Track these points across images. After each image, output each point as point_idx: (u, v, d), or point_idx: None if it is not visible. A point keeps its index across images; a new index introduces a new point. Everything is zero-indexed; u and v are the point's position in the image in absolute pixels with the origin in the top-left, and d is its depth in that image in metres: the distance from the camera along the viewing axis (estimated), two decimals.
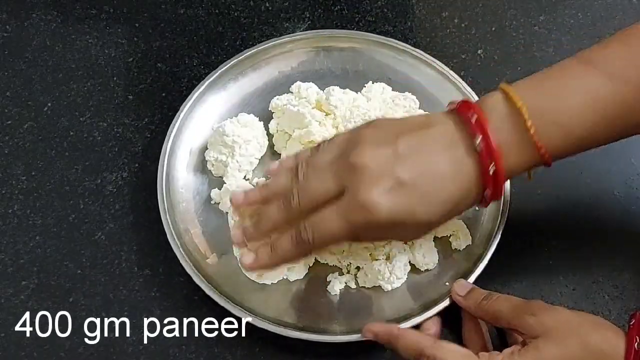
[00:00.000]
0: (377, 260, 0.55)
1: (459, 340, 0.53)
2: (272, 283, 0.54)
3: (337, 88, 0.61)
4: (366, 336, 0.51)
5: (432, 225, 0.48)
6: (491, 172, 0.46)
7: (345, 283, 0.55)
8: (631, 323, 0.46)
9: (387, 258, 0.55)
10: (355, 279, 0.56)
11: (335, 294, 0.55)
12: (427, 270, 0.56)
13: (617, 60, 0.47)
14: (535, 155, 0.46)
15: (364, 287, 0.55)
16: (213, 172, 0.60)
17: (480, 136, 0.45)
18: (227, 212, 0.58)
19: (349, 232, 0.46)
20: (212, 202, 0.59)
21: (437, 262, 0.56)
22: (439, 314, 0.53)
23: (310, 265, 0.56)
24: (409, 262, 0.56)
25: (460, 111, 0.47)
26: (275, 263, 0.50)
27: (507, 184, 0.58)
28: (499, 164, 0.45)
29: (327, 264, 0.56)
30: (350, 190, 0.46)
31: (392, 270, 0.54)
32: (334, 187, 0.47)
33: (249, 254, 0.50)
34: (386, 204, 0.45)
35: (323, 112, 0.60)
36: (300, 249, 0.48)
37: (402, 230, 0.47)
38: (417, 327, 0.52)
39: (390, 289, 0.55)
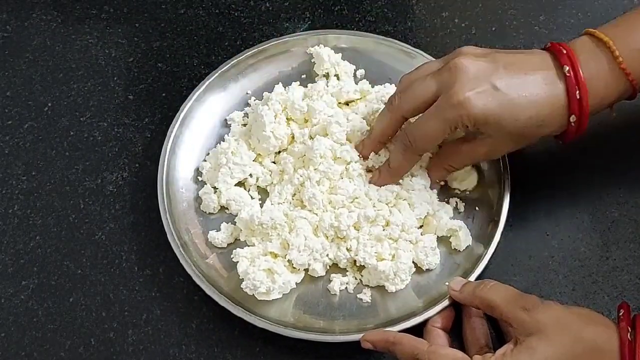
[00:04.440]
0: (382, 260, 0.55)
1: (459, 340, 0.53)
2: (272, 299, 0.54)
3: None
4: (364, 346, 0.51)
5: (514, 137, 0.52)
6: (578, 97, 0.50)
7: (346, 285, 0.55)
8: (620, 314, 0.46)
9: (393, 258, 0.55)
10: (358, 279, 0.56)
11: (335, 293, 0.55)
12: (428, 270, 0.56)
13: None
14: (624, 84, 0.51)
15: (368, 285, 0.55)
16: (206, 181, 0.60)
17: (569, 66, 0.50)
18: (209, 213, 0.58)
19: (443, 130, 0.51)
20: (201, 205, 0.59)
21: (439, 262, 0.56)
22: (450, 308, 0.53)
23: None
24: (419, 254, 0.56)
25: (552, 47, 0.52)
26: (392, 175, 0.56)
27: (508, 184, 0.58)
28: (583, 90, 0.50)
29: (333, 263, 0.56)
30: (447, 90, 0.50)
31: (397, 272, 0.54)
32: (434, 87, 0.51)
33: (374, 175, 0.56)
34: (477, 103, 0.49)
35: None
36: (407, 155, 0.54)
37: (488, 137, 0.52)
38: (417, 327, 0.52)
39: (394, 290, 0.55)
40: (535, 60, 0.52)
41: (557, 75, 0.51)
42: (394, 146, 0.55)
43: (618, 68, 0.51)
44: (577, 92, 0.50)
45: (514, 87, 0.50)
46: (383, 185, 0.56)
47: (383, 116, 0.56)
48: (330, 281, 0.55)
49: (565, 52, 0.51)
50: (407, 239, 0.55)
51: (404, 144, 0.54)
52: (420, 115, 0.53)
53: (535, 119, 0.50)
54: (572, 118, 0.51)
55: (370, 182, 0.56)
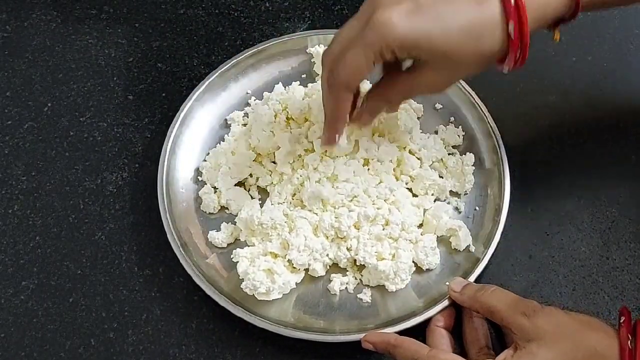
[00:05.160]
0: (383, 260, 0.55)
1: (460, 340, 0.53)
2: (272, 299, 0.54)
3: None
4: (365, 346, 0.51)
5: (453, 60, 0.47)
6: (513, 2, 0.45)
7: (346, 285, 0.55)
8: (621, 321, 0.46)
9: (393, 258, 0.55)
10: (358, 279, 0.56)
11: (335, 293, 0.55)
12: (428, 270, 0.56)
13: None
14: None
15: (368, 285, 0.55)
16: (206, 181, 0.60)
17: None
18: (209, 213, 0.58)
19: (367, 58, 0.46)
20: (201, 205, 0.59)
21: (439, 262, 0.56)
22: (450, 307, 0.53)
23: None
24: (419, 254, 0.56)
25: None
26: (330, 123, 0.51)
27: (508, 184, 0.58)
28: None
29: (333, 263, 0.56)
30: (370, 17, 0.46)
31: (397, 272, 0.54)
32: (357, 24, 0.47)
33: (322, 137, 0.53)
34: (400, 22, 0.44)
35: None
36: (333, 92, 0.49)
37: (425, 64, 0.47)
38: (417, 326, 0.52)
39: (394, 289, 0.55)
40: None
41: None
42: (321, 90, 0.51)
43: None
44: None
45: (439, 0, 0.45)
46: (333, 143, 0.53)
47: (328, 99, 0.50)
48: (330, 281, 0.55)
49: None
50: (407, 238, 0.55)
51: (328, 81, 0.49)
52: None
53: (469, 31, 0.45)
54: (511, 26, 0.45)
55: (322, 146, 0.54)
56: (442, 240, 0.57)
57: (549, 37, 0.51)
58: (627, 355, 0.44)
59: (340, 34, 0.49)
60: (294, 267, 0.55)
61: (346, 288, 0.55)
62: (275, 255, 0.55)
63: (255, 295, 0.53)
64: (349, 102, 0.50)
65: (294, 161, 0.58)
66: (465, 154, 0.61)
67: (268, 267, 0.53)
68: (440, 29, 0.45)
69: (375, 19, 0.45)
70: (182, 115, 0.61)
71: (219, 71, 0.63)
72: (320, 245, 0.54)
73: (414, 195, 0.59)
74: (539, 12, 0.46)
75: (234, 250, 0.55)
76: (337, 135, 0.53)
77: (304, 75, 0.65)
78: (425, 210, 0.58)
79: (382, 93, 0.51)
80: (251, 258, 0.54)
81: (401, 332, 0.51)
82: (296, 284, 0.55)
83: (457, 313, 0.53)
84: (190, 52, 0.68)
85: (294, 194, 0.57)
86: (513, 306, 0.48)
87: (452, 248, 0.57)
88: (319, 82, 0.63)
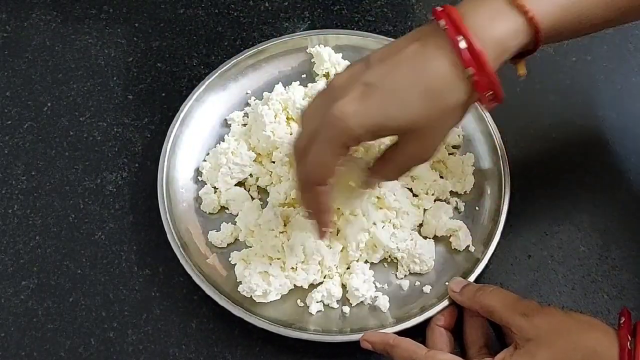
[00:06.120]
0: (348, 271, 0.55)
1: (460, 340, 0.53)
2: (270, 301, 0.54)
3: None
4: (363, 346, 0.51)
5: (426, 125, 0.43)
6: (462, 46, 0.41)
7: (322, 302, 0.54)
8: (621, 322, 0.46)
9: (348, 268, 0.55)
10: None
11: (320, 311, 0.54)
12: (428, 272, 0.56)
13: None
14: (522, 22, 0.42)
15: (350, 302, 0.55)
16: (206, 181, 0.60)
17: (446, 19, 0.42)
18: (209, 213, 0.58)
19: (333, 152, 0.44)
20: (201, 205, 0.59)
21: (432, 266, 0.56)
22: (452, 307, 0.53)
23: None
24: (409, 265, 0.56)
25: (433, 11, 0.44)
26: (316, 219, 0.49)
27: (508, 184, 0.58)
28: (467, 35, 0.41)
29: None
30: (326, 110, 0.43)
31: (357, 286, 0.54)
32: (321, 107, 0.44)
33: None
34: (355, 113, 0.42)
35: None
36: (307, 190, 0.47)
37: (402, 138, 0.44)
38: (417, 327, 0.52)
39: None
40: (411, 34, 0.44)
41: (435, 35, 0.42)
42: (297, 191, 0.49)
43: (512, 5, 0.42)
44: (461, 40, 0.41)
45: (389, 72, 0.42)
46: (326, 234, 0.50)
47: (303, 197, 0.48)
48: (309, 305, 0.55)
49: (442, 9, 0.43)
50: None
51: (298, 177, 0.47)
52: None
53: (426, 95, 0.42)
54: (470, 71, 0.41)
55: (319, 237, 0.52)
56: (442, 240, 0.57)
57: None
58: (627, 355, 0.44)
59: (305, 116, 0.47)
60: (292, 269, 0.55)
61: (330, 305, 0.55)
62: (271, 259, 0.55)
63: (253, 298, 0.53)
64: (325, 193, 0.47)
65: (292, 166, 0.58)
66: (465, 154, 0.61)
67: (265, 270, 0.53)
68: (397, 106, 0.42)
69: (330, 114, 0.42)
70: (182, 115, 0.61)
71: (219, 71, 0.63)
72: (317, 247, 0.54)
73: (414, 195, 0.59)
74: (497, 50, 0.42)
75: (232, 253, 0.55)
76: (328, 228, 0.50)
77: (304, 75, 0.65)
78: (425, 210, 0.58)
79: (379, 171, 0.49)
80: (247, 260, 0.54)
81: (400, 333, 0.51)
82: (295, 285, 0.55)
83: (458, 313, 0.53)
84: (190, 52, 0.68)
85: (293, 195, 0.57)
86: (512, 306, 0.48)
87: (452, 248, 0.57)
88: (319, 82, 0.63)
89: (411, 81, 0.42)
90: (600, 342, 0.45)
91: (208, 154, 0.61)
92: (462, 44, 0.41)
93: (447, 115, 0.44)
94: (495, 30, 0.42)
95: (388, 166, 0.48)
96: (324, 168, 0.45)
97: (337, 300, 0.54)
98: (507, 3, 0.42)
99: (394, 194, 0.57)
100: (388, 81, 0.42)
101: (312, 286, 0.55)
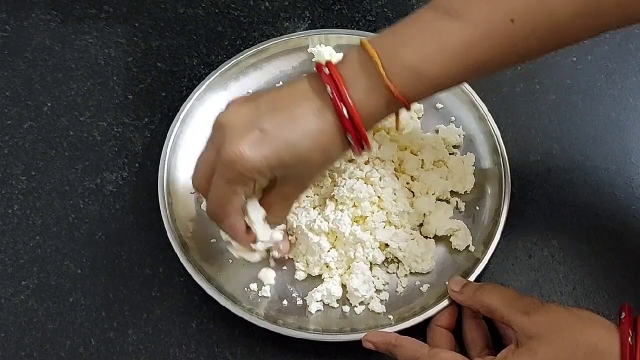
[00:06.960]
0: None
1: (460, 340, 0.53)
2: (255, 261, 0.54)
3: None
4: (365, 346, 0.51)
5: (308, 170, 0.49)
6: (347, 116, 0.47)
7: (322, 301, 0.54)
8: (622, 317, 0.46)
9: (348, 268, 0.55)
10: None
11: (319, 310, 0.54)
12: (428, 272, 0.56)
13: (467, 3, 0.47)
14: (391, 98, 0.47)
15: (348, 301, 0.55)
16: None
17: (331, 85, 0.47)
18: None
19: (232, 191, 0.48)
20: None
21: (433, 265, 0.56)
22: (452, 307, 0.53)
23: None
24: (411, 265, 0.56)
25: (317, 67, 0.49)
26: (238, 241, 0.52)
27: (508, 184, 0.58)
28: (350, 107, 0.47)
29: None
30: (220, 150, 0.47)
31: (357, 287, 0.54)
32: (213, 150, 0.49)
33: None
34: (250, 153, 0.46)
35: None
36: (218, 221, 0.51)
37: (286, 178, 0.49)
38: (418, 326, 0.52)
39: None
40: (299, 88, 0.49)
41: (321, 101, 0.47)
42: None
43: (383, 83, 0.46)
44: (345, 110, 0.47)
45: (283, 124, 0.47)
46: (250, 251, 0.53)
47: (219, 226, 0.52)
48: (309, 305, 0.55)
49: (326, 71, 0.48)
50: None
51: (208, 213, 0.51)
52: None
53: (315, 149, 0.47)
54: (349, 136, 0.48)
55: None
56: (442, 240, 0.57)
57: None
58: (628, 351, 0.44)
59: (200, 160, 0.51)
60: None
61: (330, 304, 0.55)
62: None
63: (244, 257, 0.53)
64: (238, 222, 0.51)
65: None
66: (465, 154, 0.61)
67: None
68: (290, 154, 0.47)
69: (225, 154, 0.47)
70: (182, 115, 0.61)
71: (220, 71, 0.63)
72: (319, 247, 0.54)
73: (414, 195, 0.59)
74: (372, 116, 0.48)
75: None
76: (251, 245, 0.53)
77: (304, 75, 0.65)
78: (425, 210, 0.58)
79: (270, 214, 0.52)
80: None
81: (401, 332, 0.51)
82: (295, 283, 0.55)
83: (458, 312, 0.53)
84: (190, 51, 0.68)
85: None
86: (513, 304, 0.48)
87: (452, 248, 0.57)
88: None
89: (302, 137, 0.47)
90: (601, 337, 0.45)
91: None
92: (346, 114, 0.47)
93: (327, 163, 0.50)
94: (370, 103, 0.47)
95: (273, 209, 0.52)
96: (227, 203, 0.49)
97: (337, 300, 0.54)
98: (379, 82, 0.47)
99: (394, 194, 0.57)
100: (283, 133, 0.47)
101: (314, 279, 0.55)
